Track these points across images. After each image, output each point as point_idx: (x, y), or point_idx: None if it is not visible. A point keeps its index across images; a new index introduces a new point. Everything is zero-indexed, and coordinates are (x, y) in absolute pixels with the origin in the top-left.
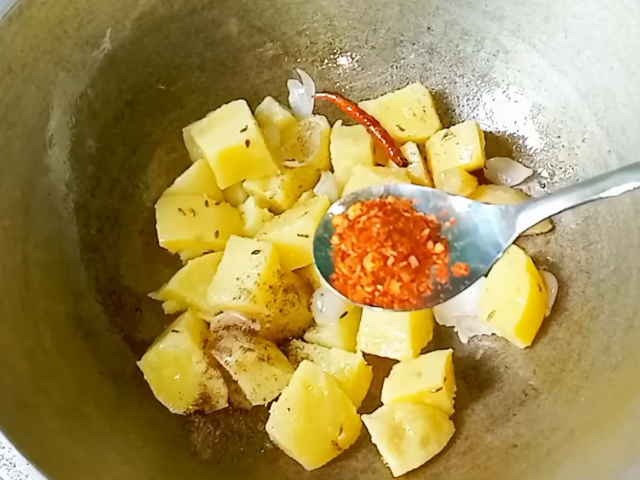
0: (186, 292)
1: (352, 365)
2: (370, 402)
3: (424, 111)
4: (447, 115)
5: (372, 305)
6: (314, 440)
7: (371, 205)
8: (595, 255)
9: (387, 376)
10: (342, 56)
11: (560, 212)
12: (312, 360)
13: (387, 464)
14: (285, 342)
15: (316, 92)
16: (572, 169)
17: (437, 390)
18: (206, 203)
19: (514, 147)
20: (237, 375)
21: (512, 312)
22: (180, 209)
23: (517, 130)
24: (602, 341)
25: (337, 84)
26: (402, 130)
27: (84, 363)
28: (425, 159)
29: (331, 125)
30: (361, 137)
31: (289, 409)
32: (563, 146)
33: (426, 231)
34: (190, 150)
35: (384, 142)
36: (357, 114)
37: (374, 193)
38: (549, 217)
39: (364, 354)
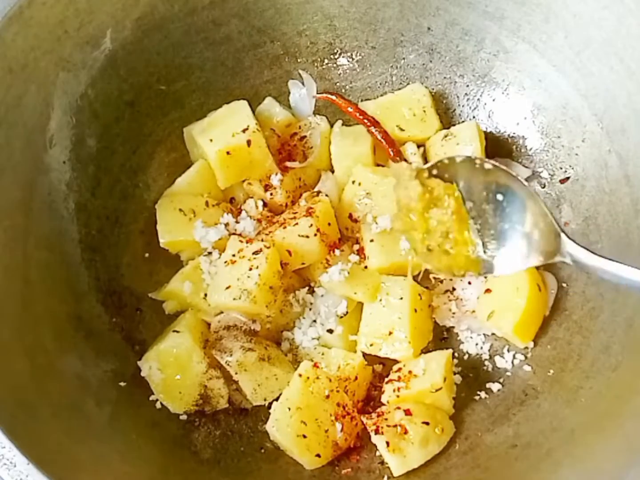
0: (187, 292)
1: (352, 366)
2: (370, 402)
3: (424, 111)
4: (447, 116)
5: None
6: (314, 440)
7: None
8: None
9: (387, 376)
10: (342, 56)
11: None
12: (312, 360)
13: (387, 463)
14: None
15: (317, 92)
16: (572, 169)
17: (437, 390)
18: (206, 203)
19: (514, 147)
20: (238, 375)
21: (511, 312)
22: (180, 210)
23: (517, 130)
24: (602, 341)
25: (337, 84)
26: (402, 130)
27: (84, 363)
28: (425, 160)
29: (331, 126)
30: (361, 137)
31: (289, 409)
32: (563, 146)
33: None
34: (191, 151)
35: (384, 142)
36: (358, 115)
37: None
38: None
39: (364, 354)
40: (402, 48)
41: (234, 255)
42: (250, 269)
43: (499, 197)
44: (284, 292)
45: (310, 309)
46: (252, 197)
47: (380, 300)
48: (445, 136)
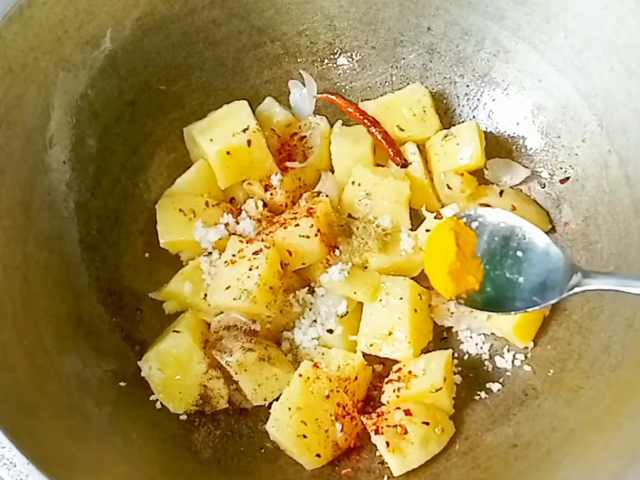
0: (187, 292)
1: (352, 366)
2: (370, 402)
3: (424, 111)
4: (447, 116)
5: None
6: (314, 440)
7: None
8: (595, 255)
9: (387, 376)
10: (342, 56)
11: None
12: (312, 360)
13: (387, 463)
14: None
15: (317, 92)
16: (572, 169)
17: (437, 390)
18: (207, 203)
19: (514, 147)
20: (238, 375)
21: None
22: (180, 210)
23: (517, 130)
24: (602, 341)
25: (337, 84)
26: (402, 130)
27: (84, 363)
28: (425, 160)
29: (331, 126)
30: (361, 137)
31: (289, 409)
32: (563, 146)
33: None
34: (191, 150)
35: (384, 142)
36: (358, 115)
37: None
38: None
39: (364, 354)
40: (402, 48)
41: (234, 256)
42: (250, 269)
43: (519, 254)
44: (284, 292)
45: (310, 309)
46: (252, 197)
47: (380, 300)
48: (445, 136)
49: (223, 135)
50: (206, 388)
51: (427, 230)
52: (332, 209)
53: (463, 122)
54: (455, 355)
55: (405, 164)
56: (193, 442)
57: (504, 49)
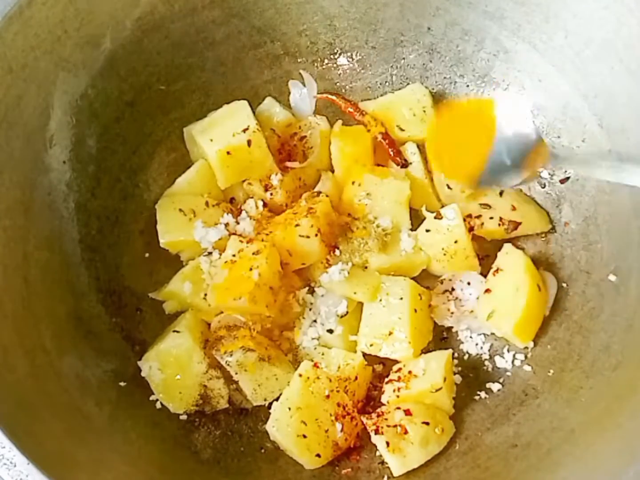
0: (187, 292)
1: (352, 366)
2: (370, 402)
3: (424, 111)
4: None
5: None
6: (314, 440)
7: None
8: (595, 255)
9: (387, 376)
10: (342, 56)
11: None
12: (312, 360)
13: (387, 463)
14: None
15: (317, 92)
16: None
17: (437, 390)
18: (207, 203)
19: None
20: (238, 375)
21: (511, 312)
22: (181, 210)
23: None
24: (602, 341)
25: (337, 84)
26: (402, 130)
27: (84, 363)
28: (425, 160)
29: (331, 126)
30: (361, 137)
31: (289, 409)
32: (563, 146)
33: None
34: (191, 150)
35: (384, 142)
36: (358, 115)
37: None
38: None
39: (364, 354)
40: (402, 48)
41: (234, 256)
42: (251, 269)
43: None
44: (284, 292)
45: (310, 309)
46: (252, 197)
47: (380, 300)
48: None
49: (223, 135)
50: (206, 388)
51: (427, 230)
52: (332, 209)
53: None
54: (455, 355)
55: (405, 164)
56: (193, 442)
57: (504, 49)
